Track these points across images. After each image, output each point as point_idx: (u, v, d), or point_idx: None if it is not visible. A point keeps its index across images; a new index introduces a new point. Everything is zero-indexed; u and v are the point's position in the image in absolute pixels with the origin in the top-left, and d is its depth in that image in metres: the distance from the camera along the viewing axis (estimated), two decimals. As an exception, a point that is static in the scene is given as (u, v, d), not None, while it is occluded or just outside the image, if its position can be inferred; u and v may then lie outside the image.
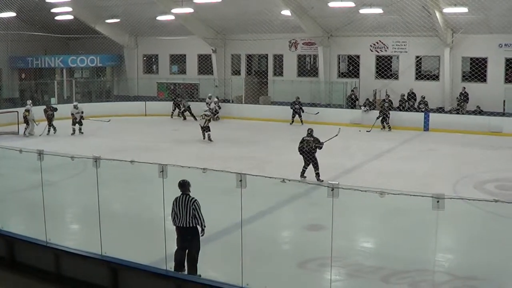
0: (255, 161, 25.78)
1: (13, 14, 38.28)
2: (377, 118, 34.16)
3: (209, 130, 31.26)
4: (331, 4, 33.54)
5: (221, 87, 45.58)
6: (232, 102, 42.89)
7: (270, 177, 10.03)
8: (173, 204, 12.22)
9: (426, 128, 34.99)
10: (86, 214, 17.82)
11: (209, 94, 39.97)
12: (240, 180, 9.79)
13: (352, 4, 33.03)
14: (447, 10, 32.96)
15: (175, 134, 33.35)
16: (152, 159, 11.28)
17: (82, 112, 34.16)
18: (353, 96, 39.69)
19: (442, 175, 23.13)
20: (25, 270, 11.86)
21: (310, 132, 22.66)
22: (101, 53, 48.92)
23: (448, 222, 13.20)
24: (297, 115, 38.57)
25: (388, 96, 37.61)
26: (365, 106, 37.28)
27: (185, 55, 48.44)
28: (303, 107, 38.48)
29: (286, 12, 37.18)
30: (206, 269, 13.57)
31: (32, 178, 14.32)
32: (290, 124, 38.31)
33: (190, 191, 12.37)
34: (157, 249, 11.48)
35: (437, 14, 33.76)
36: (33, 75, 48.90)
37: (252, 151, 28.56)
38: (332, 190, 9.05)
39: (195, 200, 12.25)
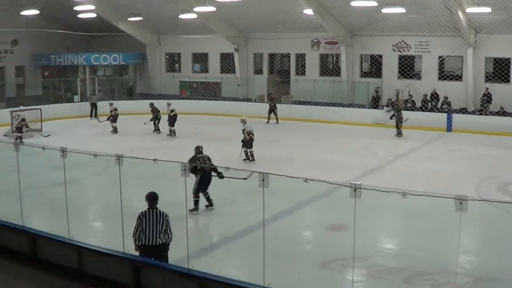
0: (276, 160, 25.76)
1: (36, 12, 38.51)
2: (391, 118, 33.77)
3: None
4: (353, 4, 33.49)
5: (243, 86, 45.59)
6: (254, 101, 42.88)
7: (292, 177, 10.00)
8: (140, 220, 11.58)
9: (449, 128, 34.81)
10: (108, 211, 17.93)
11: (110, 101, 38.00)
12: (263, 180, 9.76)
13: (374, 4, 32.94)
14: (470, 10, 32.71)
15: (196, 133, 33.38)
16: (174, 157, 11.27)
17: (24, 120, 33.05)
18: (374, 95, 39.65)
19: (465, 176, 23.00)
20: (48, 267, 11.93)
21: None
22: (124, 51, 49.16)
23: (471, 223, 13.17)
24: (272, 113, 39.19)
25: (411, 97, 37.54)
26: (387, 106, 37.19)
27: (207, 54, 48.50)
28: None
29: (309, 11, 37.14)
30: (228, 267, 13.62)
31: (55, 175, 14.39)
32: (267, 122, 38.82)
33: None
34: (179, 248, 11.47)
35: (460, 14, 33.54)
36: (56, 72, 49.22)
37: (274, 151, 28.54)
38: (355, 190, 9.01)
39: (167, 213, 11.68)
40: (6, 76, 47.32)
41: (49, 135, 33.82)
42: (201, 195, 18.03)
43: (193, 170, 17.43)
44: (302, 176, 9.76)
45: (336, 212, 16.82)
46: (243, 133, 26.48)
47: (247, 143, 26.50)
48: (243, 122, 27.05)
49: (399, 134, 32.91)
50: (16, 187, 13.34)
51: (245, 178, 12.73)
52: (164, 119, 34.17)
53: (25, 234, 12.57)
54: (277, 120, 38.67)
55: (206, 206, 18.18)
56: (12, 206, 13.44)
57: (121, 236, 11.25)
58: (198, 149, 18.89)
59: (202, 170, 17.78)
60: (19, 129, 31.72)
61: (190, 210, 17.62)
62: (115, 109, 35.58)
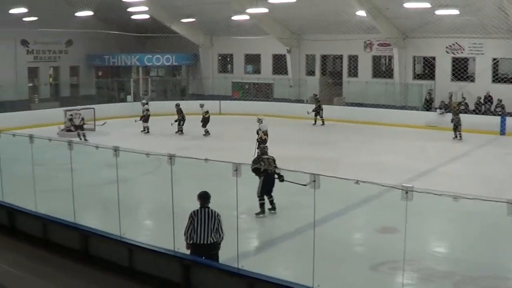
0: (327, 161, 25.71)
1: (90, 13, 39.02)
2: (451, 121, 33.39)
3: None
4: (406, 5, 33.28)
5: (296, 88, 45.58)
6: (306, 102, 42.79)
7: (343, 178, 9.97)
8: (192, 218, 11.63)
9: (502, 132, 34.37)
10: (159, 210, 18.08)
11: (143, 100, 38.59)
12: (314, 181, 9.75)
13: (427, 5, 32.70)
14: (525, 11, 32.32)
15: (248, 133, 33.44)
16: (225, 158, 11.32)
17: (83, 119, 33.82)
18: (427, 97, 39.36)
19: (519, 180, 22.71)
20: (99, 264, 12.07)
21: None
22: (177, 52, 49.50)
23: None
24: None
25: (464, 99, 37.15)
26: (440, 109, 36.88)
27: (259, 55, 48.61)
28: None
29: (361, 13, 37.00)
30: (277, 268, 13.63)
31: (107, 174, 14.55)
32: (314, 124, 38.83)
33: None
34: (229, 247, 11.52)
35: (515, 16, 33.14)
36: (110, 73, 49.86)
37: (325, 152, 28.52)
38: (406, 193, 8.96)
39: (218, 213, 11.71)
40: (61, 76, 48.08)
41: (105, 122, 34.52)
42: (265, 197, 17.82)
43: (257, 171, 17.45)
44: (353, 177, 9.74)
45: (387, 215, 16.71)
46: (258, 132, 26.26)
47: (261, 143, 25.71)
48: (260, 121, 26.83)
49: (458, 137, 32.57)
50: (69, 185, 13.52)
51: (305, 185, 12.44)
52: (192, 120, 34.31)
53: (77, 231, 12.74)
54: (322, 122, 38.62)
55: (269, 209, 17.96)
56: (65, 203, 13.62)
57: (172, 235, 11.34)
58: (263, 149, 18.79)
59: (266, 172, 17.58)
60: (81, 127, 32.29)
61: (257, 214, 17.64)
62: (147, 110, 35.92)
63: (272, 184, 17.77)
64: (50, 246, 13.12)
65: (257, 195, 17.64)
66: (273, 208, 17.97)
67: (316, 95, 40.52)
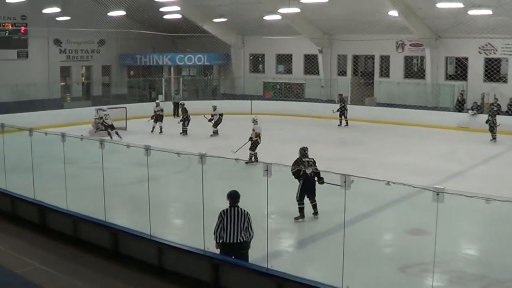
0: (358, 162, 25.59)
1: (123, 13, 39.23)
2: (486, 122, 33.03)
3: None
4: (439, 5, 33.01)
5: (327, 88, 45.48)
6: (337, 102, 42.72)
7: (374, 179, 9.92)
8: (221, 217, 11.45)
9: (535, 133, 34.07)
10: (189, 209, 18.10)
11: (157, 100, 38.64)
12: (344, 181, 9.72)
13: (460, 5, 32.41)
14: (558, 12, 32.00)
15: (280, 133, 33.46)
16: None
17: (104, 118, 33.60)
18: (459, 98, 39.08)
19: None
20: (128, 262, 12.15)
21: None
22: (209, 52, 49.60)
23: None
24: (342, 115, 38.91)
25: (497, 100, 36.78)
26: (472, 110, 36.56)
27: (291, 55, 48.58)
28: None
29: (394, 13, 36.81)
30: (307, 268, 13.61)
31: (138, 173, 14.62)
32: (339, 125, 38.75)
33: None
34: (258, 247, 11.51)
35: (548, 16, 32.83)
36: (141, 72, 50.15)
37: (356, 152, 28.42)
38: (437, 194, 8.90)
39: (248, 212, 11.55)
40: (93, 75, 48.46)
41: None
42: (307, 201, 17.42)
43: (297, 174, 17.11)
44: (384, 178, 9.69)
45: (417, 216, 16.63)
46: (251, 134, 26.06)
47: (253, 144, 25.89)
48: (254, 122, 26.66)
49: (494, 139, 32.22)
50: (100, 183, 13.60)
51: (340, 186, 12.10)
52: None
53: (108, 230, 12.83)
54: (346, 122, 38.58)
55: (313, 213, 17.51)
56: (96, 201, 13.70)
57: (201, 234, 11.35)
58: (304, 151, 18.14)
59: (305, 175, 17.23)
60: (111, 127, 32.48)
61: (296, 218, 17.29)
62: (162, 110, 36.00)
63: (311, 187, 17.38)
64: (80, 244, 13.25)
65: (296, 199, 17.31)
66: (315, 212, 17.55)
67: (341, 94, 40.28)
